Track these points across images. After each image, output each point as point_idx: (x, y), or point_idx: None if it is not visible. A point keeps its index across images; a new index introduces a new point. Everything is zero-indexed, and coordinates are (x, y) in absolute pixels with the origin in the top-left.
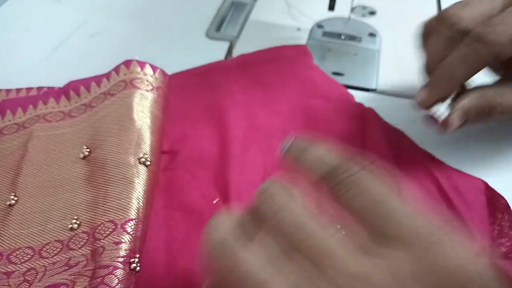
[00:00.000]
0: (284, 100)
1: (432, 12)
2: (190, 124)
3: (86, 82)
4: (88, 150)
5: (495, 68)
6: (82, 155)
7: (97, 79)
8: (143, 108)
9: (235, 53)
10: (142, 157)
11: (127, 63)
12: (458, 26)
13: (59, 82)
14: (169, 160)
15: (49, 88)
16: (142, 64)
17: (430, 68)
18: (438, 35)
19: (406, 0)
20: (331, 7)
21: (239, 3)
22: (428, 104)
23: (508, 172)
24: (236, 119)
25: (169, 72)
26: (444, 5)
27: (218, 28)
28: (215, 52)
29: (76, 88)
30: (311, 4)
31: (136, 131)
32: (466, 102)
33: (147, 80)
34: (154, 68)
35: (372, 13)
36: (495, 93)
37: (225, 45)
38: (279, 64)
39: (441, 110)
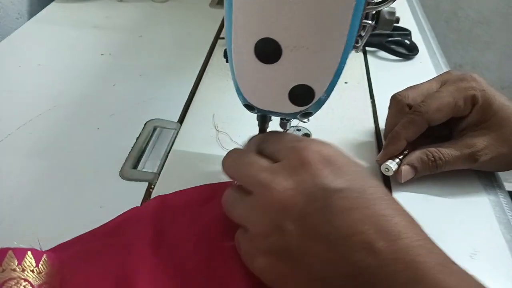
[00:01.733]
0: (196, 260)
1: (369, 133)
2: None
3: None
4: None
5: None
6: None
7: None
8: None
9: (155, 195)
10: None
11: (1, 254)
12: (404, 101)
13: None
14: None
15: None
16: (20, 255)
17: (385, 134)
18: (391, 110)
19: (340, 119)
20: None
21: (162, 128)
22: (383, 160)
23: None
24: None
25: (75, 228)
26: (382, 125)
27: (136, 164)
28: (131, 196)
29: None
30: (242, 128)
31: None
32: (413, 156)
33: (25, 280)
34: (37, 256)
35: (307, 135)
36: (435, 148)
37: (143, 186)
38: (202, 210)
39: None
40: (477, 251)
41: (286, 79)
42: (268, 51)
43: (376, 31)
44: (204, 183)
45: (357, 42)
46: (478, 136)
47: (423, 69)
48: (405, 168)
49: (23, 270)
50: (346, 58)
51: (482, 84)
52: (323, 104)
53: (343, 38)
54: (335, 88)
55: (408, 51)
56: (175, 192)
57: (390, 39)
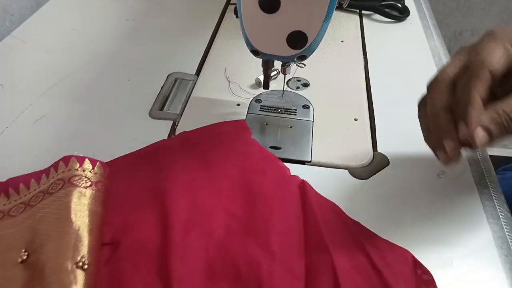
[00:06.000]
0: (225, 177)
1: (361, 82)
2: (132, 211)
3: (25, 179)
4: (27, 253)
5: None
6: (20, 260)
7: (36, 175)
8: (81, 207)
9: (179, 130)
10: (80, 261)
11: (66, 160)
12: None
13: (2, 173)
14: (111, 252)
15: None
16: (80, 160)
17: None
18: (437, 90)
19: (336, 72)
20: (265, 86)
21: (181, 80)
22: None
23: (433, 246)
24: (178, 202)
25: (115, 153)
26: (372, 79)
27: (161, 107)
28: (159, 131)
29: (15, 186)
30: (248, 79)
31: (74, 233)
32: (482, 118)
33: (85, 176)
34: (93, 162)
35: (306, 85)
36: (503, 103)
37: (168, 124)
38: (220, 141)
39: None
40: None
41: (284, 26)
42: (269, 2)
43: None
44: (218, 121)
45: None
46: None
47: (412, 29)
48: (478, 131)
49: (84, 170)
50: (332, 9)
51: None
52: (315, 48)
53: None
54: (332, 45)
55: (400, 14)
56: (196, 129)
57: (384, 3)
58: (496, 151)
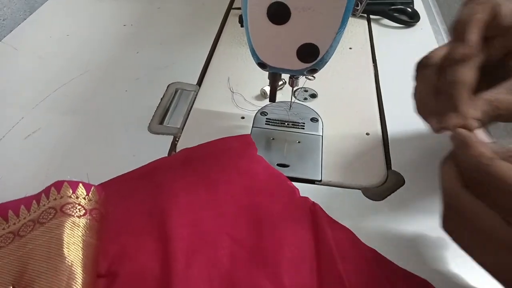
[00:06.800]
0: (229, 199)
1: (371, 92)
2: (130, 237)
3: (14, 205)
4: None
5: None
6: None
7: (26, 202)
8: (74, 239)
9: (180, 146)
10: None
11: (58, 185)
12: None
13: None
14: (108, 285)
15: None
16: (74, 185)
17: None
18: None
19: (345, 81)
20: (272, 99)
21: (182, 90)
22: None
23: (455, 275)
24: (179, 226)
25: (111, 172)
26: (383, 88)
27: (161, 121)
28: (159, 147)
29: (4, 212)
30: (253, 89)
31: (66, 270)
32: (475, 108)
33: (79, 204)
34: (87, 187)
35: (313, 96)
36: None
37: (168, 139)
38: (223, 158)
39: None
40: None
41: (294, 38)
42: (278, 13)
43: None
44: (221, 136)
45: (356, 5)
46: None
47: (423, 35)
48: (472, 123)
49: (77, 197)
50: (347, 19)
51: None
52: (327, 61)
53: (343, 1)
54: (340, 53)
55: (410, 19)
56: (198, 145)
57: (393, 7)
58: None
